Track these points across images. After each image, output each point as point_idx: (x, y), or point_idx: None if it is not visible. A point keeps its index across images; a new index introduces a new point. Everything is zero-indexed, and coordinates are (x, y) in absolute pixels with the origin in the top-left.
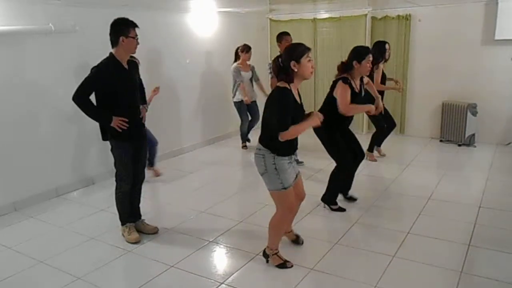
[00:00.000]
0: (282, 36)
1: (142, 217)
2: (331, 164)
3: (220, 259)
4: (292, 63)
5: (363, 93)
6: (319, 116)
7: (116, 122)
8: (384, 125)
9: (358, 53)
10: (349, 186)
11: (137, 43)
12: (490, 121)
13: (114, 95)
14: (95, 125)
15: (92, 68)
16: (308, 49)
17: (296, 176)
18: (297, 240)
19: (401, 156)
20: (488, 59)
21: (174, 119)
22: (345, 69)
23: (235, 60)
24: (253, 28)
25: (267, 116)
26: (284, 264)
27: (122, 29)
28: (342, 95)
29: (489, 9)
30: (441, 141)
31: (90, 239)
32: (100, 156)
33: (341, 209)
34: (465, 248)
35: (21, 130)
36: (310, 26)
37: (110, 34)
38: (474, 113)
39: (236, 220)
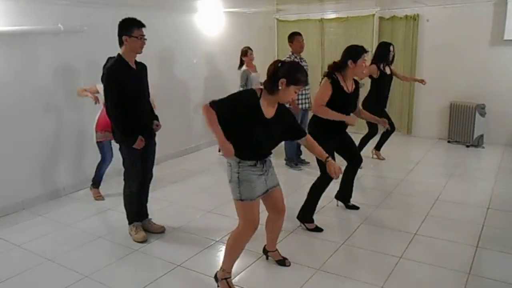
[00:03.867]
0: (293, 36)
1: (149, 216)
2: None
3: None
4: (282, 80)
5: (356, 94)
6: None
7: (139, 144)
8: (375, 131)
9: (354, 52)
10: (350, 194)
11: (143, 43)
12: (499, 122)
13: (125, 94)
14: None
15: (104, 68)
16: (306, 83)
17: (267, 190)
18: (283, 262)
19: (409, 157)
20: (497, 59)
21: (180, 119)
22: (336, 68)
23: (240, 65)
24: (260, 28)
25: None
26: None
27: (125, 28)
28: (319, 93)
29: (498, 9)
30: (449, 142)
31: (97, 238)
32: None
33: (318, 229)
34: (473, 250)
35: (29, 130)
36: (318, 26)
37: (117, 34)
38: (483, 114)
39: None
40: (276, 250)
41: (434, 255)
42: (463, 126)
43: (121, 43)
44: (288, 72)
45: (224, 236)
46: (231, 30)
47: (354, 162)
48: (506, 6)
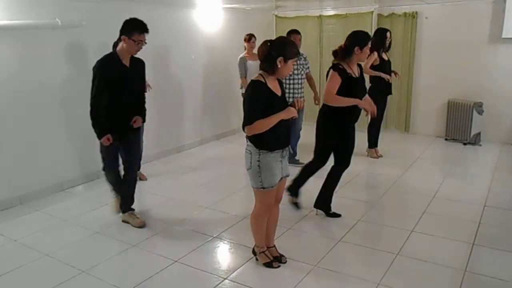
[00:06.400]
0: (291, 34)
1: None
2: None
3: (224, 254)
4: (280, 59)
5: (362, 78)
6: (292, 109)
7: (104, 141)
8: (382, 116)
9: (361, 38)
10: (329, 202)
11: (139, 48)
12: (496, 120)
13: (109, 89)
14: None
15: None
16: (299, 53)
17: (281, 178)
18: (279, 258)
19: (406, 154)
20: (495, 57)
21: (179, 115)
22: (341, 55)
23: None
24: (259, 25)
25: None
26: (270, 263)
27: (127, 29)
28: (329, 83)
29: (497, 7)
30: (446, 139)
31: (95, 233)
32: None
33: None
34: (469, 247)
35: (26, 125)
36: (316, 23)
37: (119, 30)
38: (480, 112)
39: (240, 216)
40: (274, 246)
41: (431, 252)
42: (460, 124)
43: (119, 39)
44: (281, 50)
45: (221, 232)
46: (230, 26)
47: (343, 164)
48: (504, 4)
